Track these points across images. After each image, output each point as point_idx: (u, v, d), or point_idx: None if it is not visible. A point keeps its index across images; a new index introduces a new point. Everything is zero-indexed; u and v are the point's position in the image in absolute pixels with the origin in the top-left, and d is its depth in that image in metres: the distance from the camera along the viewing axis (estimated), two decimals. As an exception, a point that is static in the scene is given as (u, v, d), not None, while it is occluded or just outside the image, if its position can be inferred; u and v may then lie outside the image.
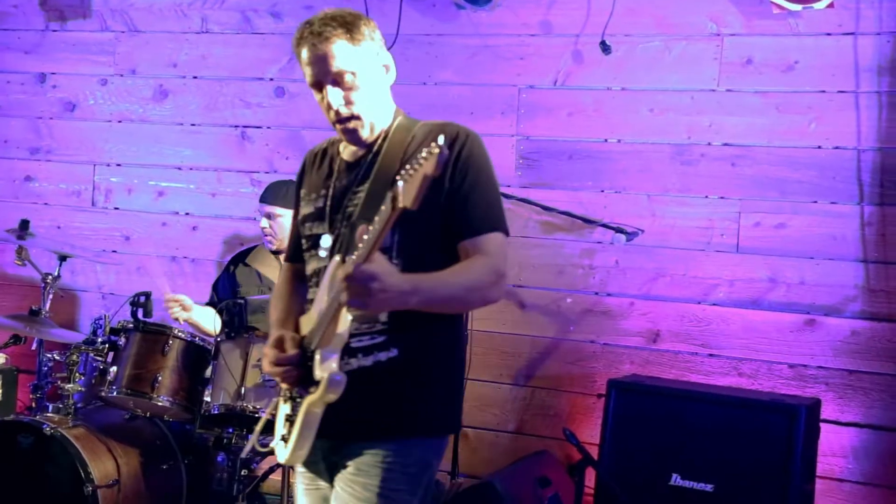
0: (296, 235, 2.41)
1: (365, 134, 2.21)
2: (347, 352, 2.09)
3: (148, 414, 3.75)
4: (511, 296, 4.27)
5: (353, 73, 2.14)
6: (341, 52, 2.13)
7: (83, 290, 4.92)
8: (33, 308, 3.93)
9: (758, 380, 3.92)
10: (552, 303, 4.23)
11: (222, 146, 4.69)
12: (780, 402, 3.53)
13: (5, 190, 5.00)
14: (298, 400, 2.14)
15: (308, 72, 2.18)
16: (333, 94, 2.15)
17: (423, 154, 1.73)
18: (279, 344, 2.17)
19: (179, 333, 3.65)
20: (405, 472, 2.15)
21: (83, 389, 3.76)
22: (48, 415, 3.65)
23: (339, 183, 2.25)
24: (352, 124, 2.19)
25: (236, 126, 4.67)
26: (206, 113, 4.71)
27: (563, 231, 4.19)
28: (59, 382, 3.77)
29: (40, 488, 3.56)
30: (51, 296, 3.98)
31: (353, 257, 1.90)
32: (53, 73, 4.92)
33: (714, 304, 4.01)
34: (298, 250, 2.37)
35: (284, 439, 2.18)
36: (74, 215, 4.92)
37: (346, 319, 2.01)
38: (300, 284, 2.39)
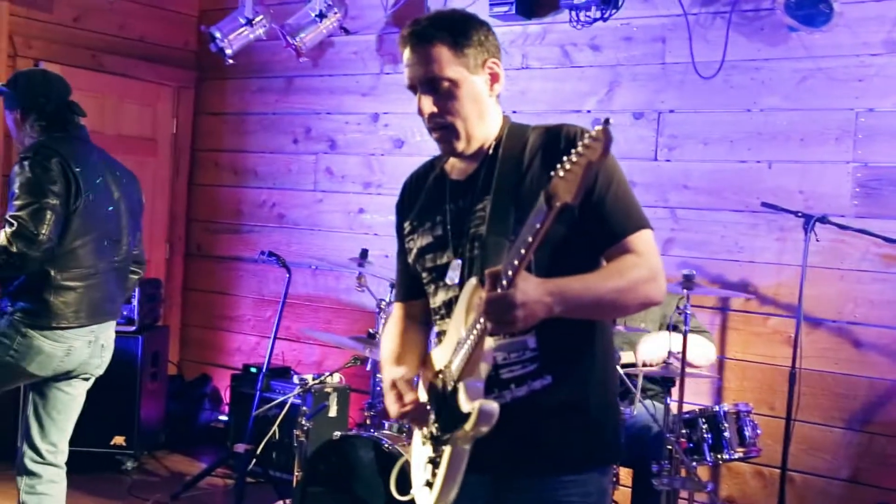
0: (406, 272, 2.23)
1: (461, 146, 2.05)
2: (498, 384, 1.96)
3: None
4: (845, 333, 3.99)
5: (450, 81, 2.00)
6: (441, 57, 2.00)
7: (407, 315, 5.21)
8: (370, 331, 4.23)
9: None
10: (893, 343, 3.89)
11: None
12: None
13: (342, 221, 5.44)
14: (443, 439, 1.98)
15: (406, 73, 2.06)
16: (425, 101, 2.02)
17: (585, 141, 1.58)
18: (394, 388, 2.06)
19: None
20: (587, 503, 2.01)
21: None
22: (384, 431, 3.89)
23: (454, 206, 2.09)
24: (444, 133, 2.04)
25: (554, 158, 4.75)
26: (525, 146, 4.84)
27: (907, 265, 3.86)
28: (392, 402, 4.01)
29: (376, 500, 3.79)
30: (383, 320, 4.25)
31: (496, 277, 1.75)
32: (385, 113, 5.30)
33: None
34: (411, 289, 2.22)
35: (429, 484, 2.02)
36: (401, 245, 5.24)
37: (489, 346, 1.88)
38: (412, 324, 2.25)
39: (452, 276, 2.03)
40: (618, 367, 3.18)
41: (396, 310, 2.30)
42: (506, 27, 4.75)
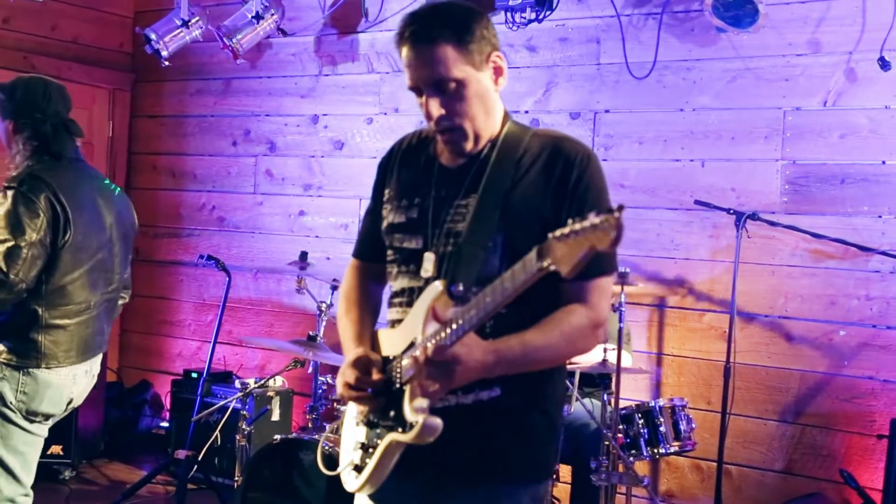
0: (373, 233, 2.15)
1: (468, 146, 1.98)
2: None
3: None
4: (777, 328, 4.07)
5: (457, 81, 1.92)
6: (446, 57, 1.90)
7: (349, 317, 5.20)
8: (311, 333, 4.21)
9: None
10: (823, 335, 3.99)
11: (479, 179, 4.81)
12: None
13: (283, 224, 5.41)
14: (378, 431, 1.96)
15: (407, 73, 1.98)
16: (433, 104, 1.94)
17: (598, 221, 1.51)
18: (360, 365, 1.97)
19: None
20: None
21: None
22: (325, 434, 3.88)
23: (438, 193, 2.01)
24: (454, 135, 1.97)
25: (492, 159, 4.78)
26: (464, 147, 4.86)
27: (835, 259, 3.96)
28: (333, 404, 4.01)
29: (318, 502, 3.78)
30: (324, 322, 4.25)
31: (441, 334, 1.77)
32: (325, 115, 5.28)
33: None
34: (374, 250, 2.14)
35: (358, 468, 2.00)
36: (342, 247, 5.23)
37: None
38: (373, 287, 2.20)
39: (427, 267, 1.97)
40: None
41: (355, 269, 2.22)
42: (443, 28, 4.75)
